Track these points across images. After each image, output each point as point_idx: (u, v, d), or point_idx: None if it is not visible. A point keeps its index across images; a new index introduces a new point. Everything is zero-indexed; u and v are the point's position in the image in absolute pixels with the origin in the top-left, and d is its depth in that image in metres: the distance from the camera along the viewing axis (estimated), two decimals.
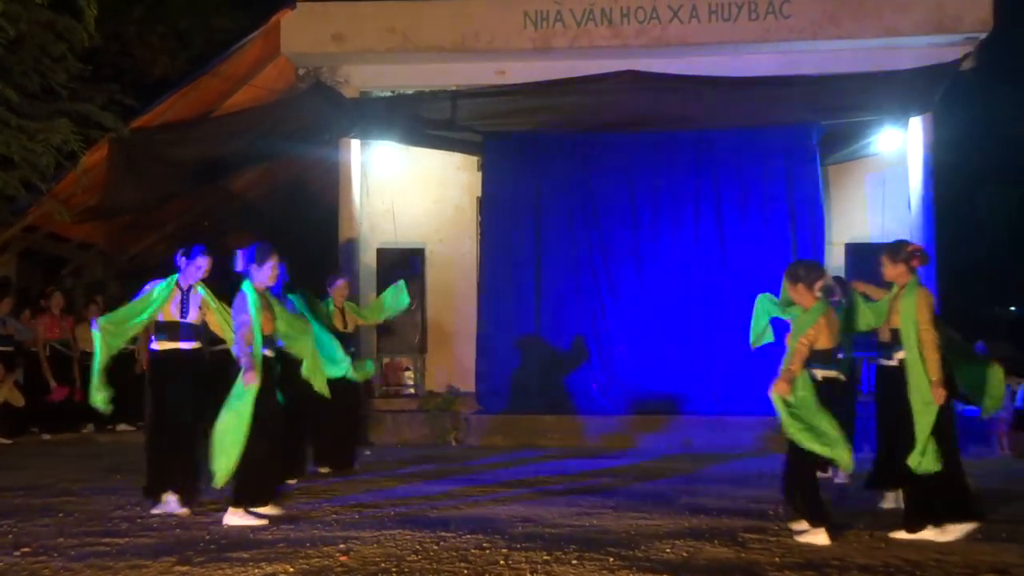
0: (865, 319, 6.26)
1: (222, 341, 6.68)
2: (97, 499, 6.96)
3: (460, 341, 12.53)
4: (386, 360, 12.20)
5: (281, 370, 6.48)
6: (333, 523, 6.03)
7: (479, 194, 12.22)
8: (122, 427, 11.47)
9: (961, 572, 4.75)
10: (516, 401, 11.02)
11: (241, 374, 5.91)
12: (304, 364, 6.58)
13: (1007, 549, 5.25)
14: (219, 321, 6.55)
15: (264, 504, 6.18)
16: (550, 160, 11.65)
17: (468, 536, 5.54)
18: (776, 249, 11.13)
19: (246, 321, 6.00)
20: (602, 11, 11.25)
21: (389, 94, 12.05)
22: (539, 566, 4.84)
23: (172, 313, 6.46)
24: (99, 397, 6.57)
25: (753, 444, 9.88)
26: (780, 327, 6.69)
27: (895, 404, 5.66)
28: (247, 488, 6.05)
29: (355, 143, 12.01)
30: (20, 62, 9.70)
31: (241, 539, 5.55)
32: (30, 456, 9.61)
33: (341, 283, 8.61)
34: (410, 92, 11.88)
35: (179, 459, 6.49)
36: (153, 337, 6.57)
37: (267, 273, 6.27)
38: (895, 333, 5.73)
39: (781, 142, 11.29)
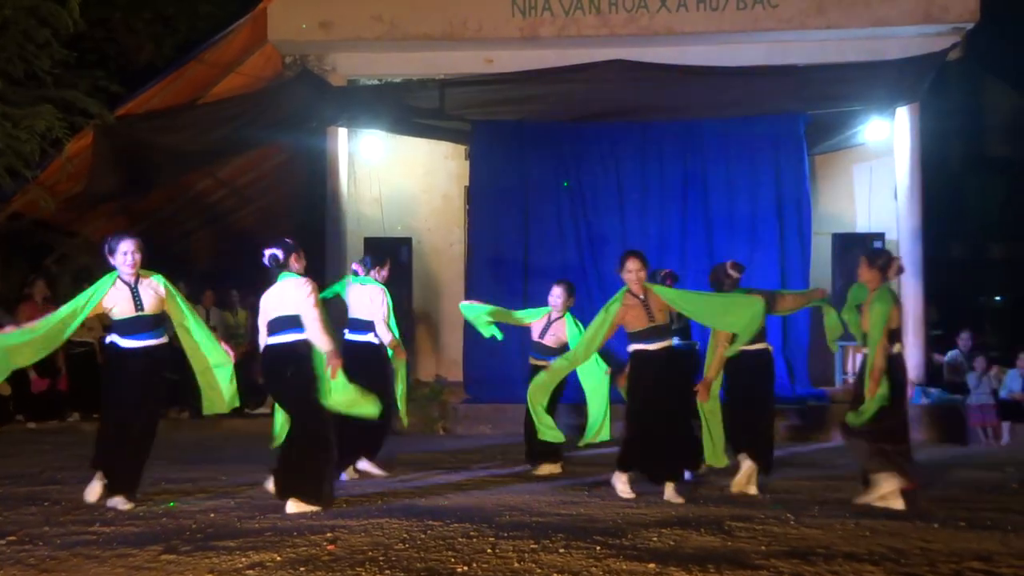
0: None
1: None
2: (83, 488, 6.91)
3: (447, 330, 12.54)
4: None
5: None
6: (320, 512, 6.02)
7: (467, 183, 12.21)
8: None
9: (945, 560, 4.77)
10: (504, 390, 10.99)
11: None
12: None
13: (990, 537, 5.28)
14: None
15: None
16: (538, 149, 11.66)
17: (455, 525, 5.54)
18: (763, 238, 11.17)
19: None
20: (590, 0, 11.24)
21: (376, 82, 12.01)
22: (526, 554, 4.85)
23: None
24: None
25: None
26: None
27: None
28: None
29: (342, 131, 11.98)
30: (3, 48, 9.63)
31: (228, 528, 5.54)
32: (16, 444, 9.56)
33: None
34: (398, 80, 11.85)
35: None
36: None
37: (119, 260, 6.25)
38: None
39: (768, 132, 11.32)
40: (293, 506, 5.96)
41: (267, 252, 6.22)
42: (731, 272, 7.35)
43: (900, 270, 6.76)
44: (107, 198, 12.12)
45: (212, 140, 11.51)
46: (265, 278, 6.38)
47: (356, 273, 7.73)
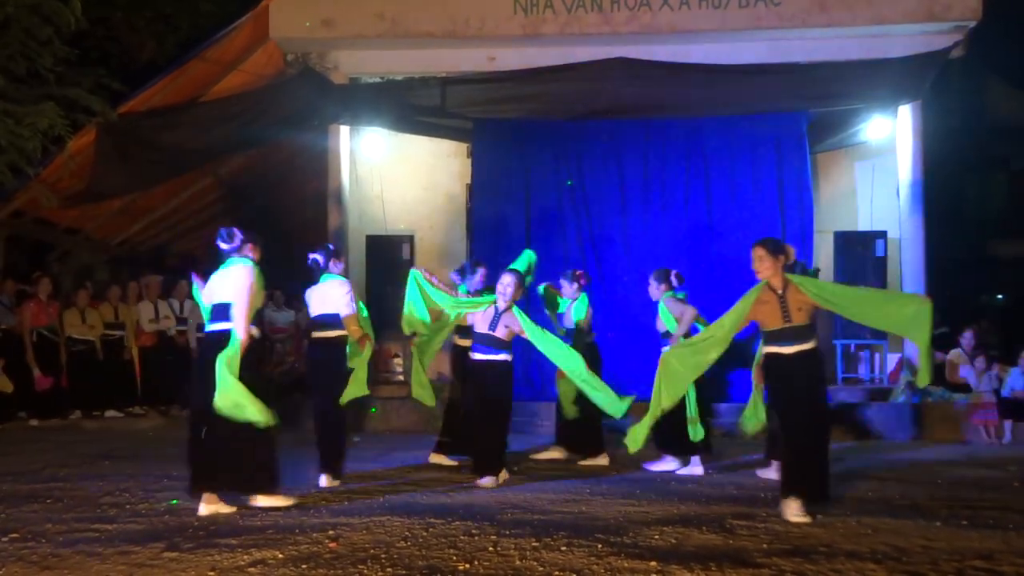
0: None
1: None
2: (85, 485, 6.95)
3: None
4: (375, 348, 12.17)
5: None
6: (322, 509, 6.03)
7: (469, 181, 12.20)
8: (110, 413, 11.44)
9: (947, 558, 4.77)
10: None
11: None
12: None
13: (992, 536, 5.28)
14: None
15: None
16: (540, 147, 11.65)
17: (457, 522, 5.55)
18: (764, 236, 11.14)
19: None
20: None
21: (378, 80, 12.00)
22: (528, 552, 4.85)
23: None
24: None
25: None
26: None
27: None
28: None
29: (344, 129, 11.97)
30: (6, 46, 9.62)
31: (230, 525, 5.54)
32: (18, 442, 9.57)
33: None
34: (399, 78, 11.84)
35: None
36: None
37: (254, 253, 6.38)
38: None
39: (770, 129, 11.30)
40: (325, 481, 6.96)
41: (310, 256, 7.23)
42: (673, 281, 7.80)
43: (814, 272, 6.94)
44: (109, 195, 12.14)
45: (214, 138, 11.50)
46: (266, 276, 6.56)
47: (453, 282, 8.22)
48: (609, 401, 7.05)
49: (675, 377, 6.05)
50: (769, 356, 5.83)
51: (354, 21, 11.43)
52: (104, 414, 11.42)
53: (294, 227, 16.39)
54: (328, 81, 11.44)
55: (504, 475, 7.20)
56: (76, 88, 10.17)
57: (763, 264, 5.80)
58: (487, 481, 7.01)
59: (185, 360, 11.70)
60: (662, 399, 6.03)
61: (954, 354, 11.14)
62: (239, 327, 5.89)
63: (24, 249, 13.72)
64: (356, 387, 7.06)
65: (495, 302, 7.31)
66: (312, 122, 11.69)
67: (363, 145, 12.43)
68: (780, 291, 5.74)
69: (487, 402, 7.21)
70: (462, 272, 8.40)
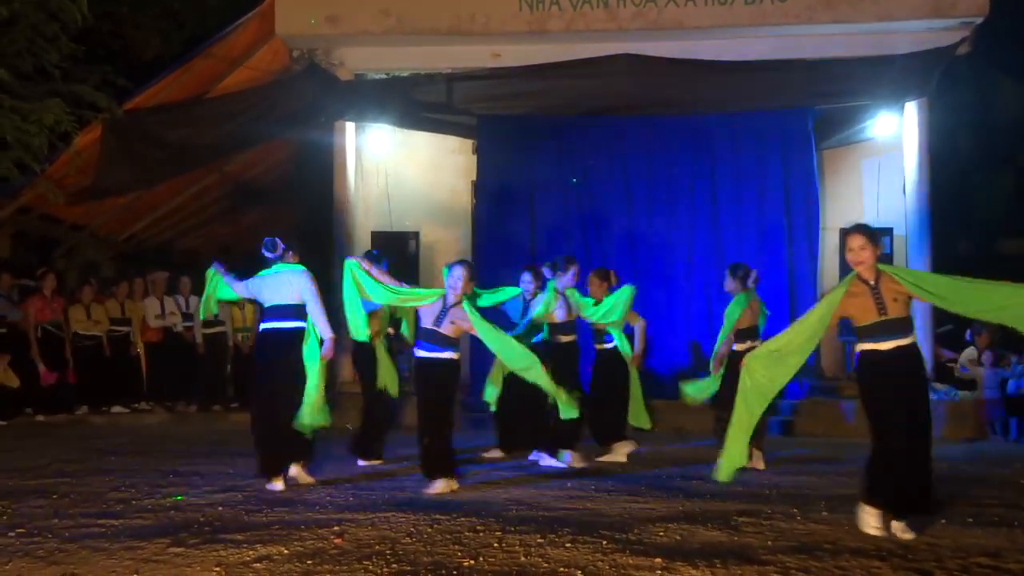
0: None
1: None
2: (92, 480, 6.96)
3: None
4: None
5: None
6: (328, 505, 6.05)
7: (474, 177, 12.20)
8: (116, 409, 11.47)
9: (952, 556, 4.77)
10: None
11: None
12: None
13: (997, 533, 5.27)
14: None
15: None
16: (545, 143, 11.63)
17: (462, 519, 5.56)
18: (771, 233, 11.15)
19: None
20: None
21: (384, 76, 12.00)
22: (533, 549, 4.86)
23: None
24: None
25: None
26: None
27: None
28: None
29: (350, 126, 11.98)
30: (13, 42, 9.64)
31: (235, 521, 5.56)
32: (25, 437, 9.59)
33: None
34: (405, 75, 11.84)
35: None
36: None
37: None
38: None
39: (776, 126, 11.28)
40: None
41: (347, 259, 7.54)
42: (613, 279, 8.28)
43: (756, 280, 7.86)
44: (115, 192, 12.14)
45: (220, 134, 11.51)
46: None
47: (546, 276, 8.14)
48: (563, 403, 6.70)
49: (760, 389, 5.48)
50: (863, 354, 5.33)
51: (359, 17, 11.43)
52: (110, 410, 11.45)
53: (299, 224, 16.42)
54: (334, 77, 11.46)
55: (453, 483, 6.69)
56: (82, 84, 10.18)
57: (866, 253, 5.26)
58: (434, 487, 6.59)
59: (191, 356, 11.74)
60: (750, 413, 5.49)
61: (962, 352, 11.13)
62: (323, 328, 6.70)
63: (30, 245, 13.74)
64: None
65: (445, 296, 6.75)
66: (318, 119, 11.70)
67: (369, 141, 12.44)
68: (872, 282, 5.27)
69: (428, 403, 6.70)
70: (554, 268, 8.06)
